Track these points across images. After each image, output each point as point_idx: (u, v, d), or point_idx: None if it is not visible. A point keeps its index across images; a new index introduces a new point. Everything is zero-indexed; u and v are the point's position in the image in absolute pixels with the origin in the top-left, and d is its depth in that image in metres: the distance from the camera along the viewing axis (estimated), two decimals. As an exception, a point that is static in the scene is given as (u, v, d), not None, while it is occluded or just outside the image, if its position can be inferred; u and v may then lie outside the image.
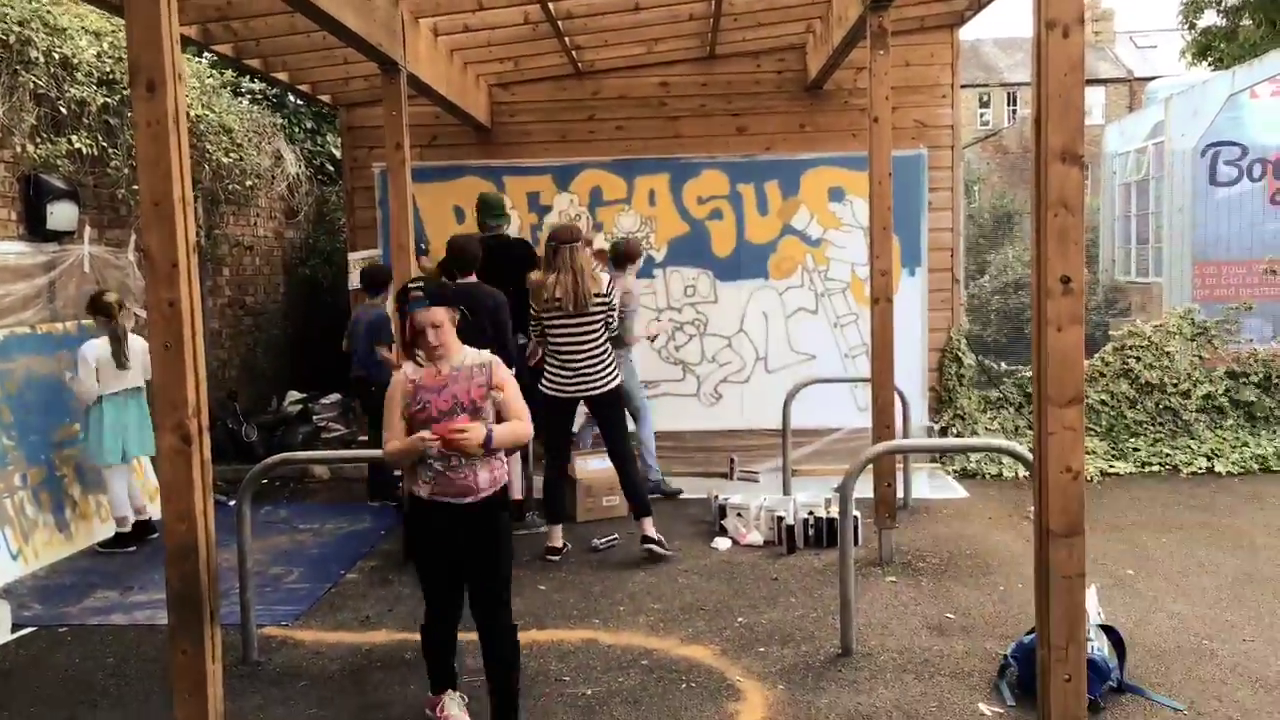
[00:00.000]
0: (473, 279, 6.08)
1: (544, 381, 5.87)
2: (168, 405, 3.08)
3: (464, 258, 6.03)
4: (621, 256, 6.99)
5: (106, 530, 6.48)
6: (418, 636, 4.64)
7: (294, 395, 9.43)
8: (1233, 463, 7.68)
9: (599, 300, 5.72)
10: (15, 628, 4.92)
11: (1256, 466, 7.67)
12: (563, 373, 5.78)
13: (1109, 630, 4.02)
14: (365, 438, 7.74)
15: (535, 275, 6.00)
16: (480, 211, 7.01)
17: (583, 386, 5.76)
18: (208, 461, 3.17)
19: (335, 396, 9.44)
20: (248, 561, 4.46)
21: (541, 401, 5.70)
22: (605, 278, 5.87)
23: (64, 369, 6.33)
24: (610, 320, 5.86)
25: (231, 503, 5.19)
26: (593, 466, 6.73)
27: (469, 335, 3.63)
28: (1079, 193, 2.93)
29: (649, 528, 5.79)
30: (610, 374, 5.81)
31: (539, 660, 4.38)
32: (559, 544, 5.88)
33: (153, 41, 3.00)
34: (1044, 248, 2.94)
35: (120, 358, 6.11)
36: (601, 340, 5.80)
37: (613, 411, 5.88)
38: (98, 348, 6.08)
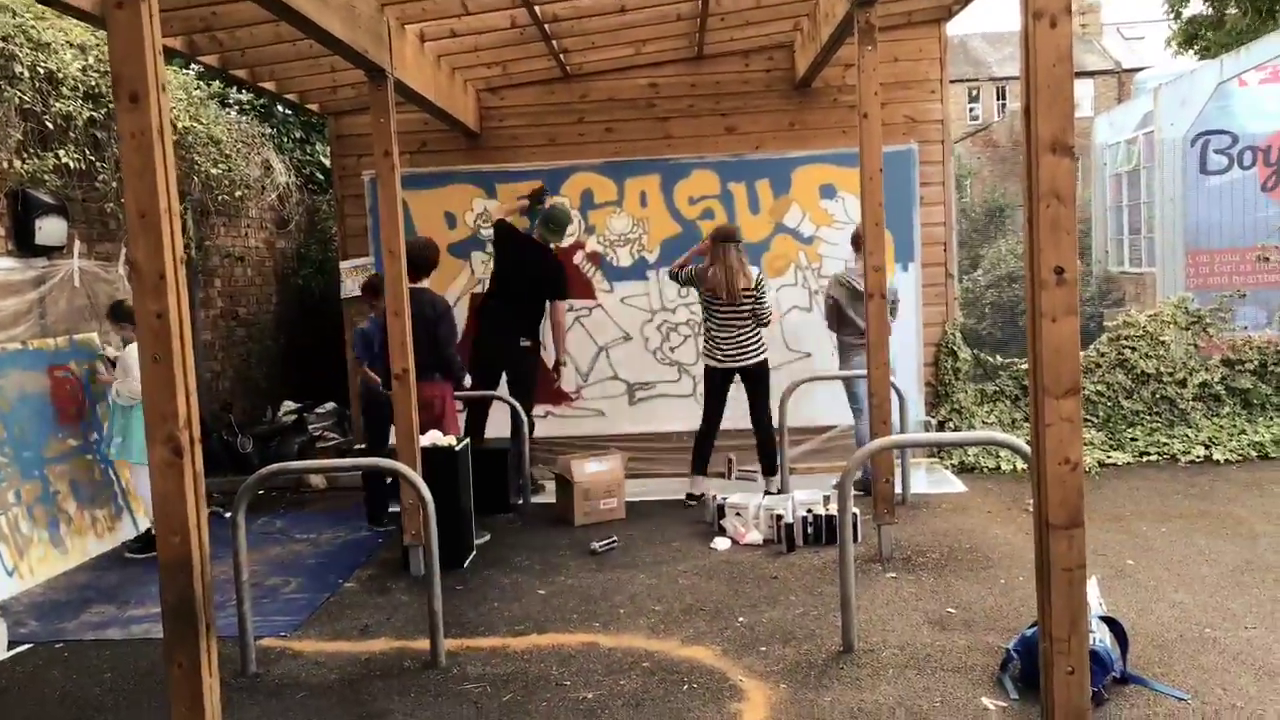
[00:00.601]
0: (423, 284, 6.28)
1: (704, 354, 7.00)
2: (158, 418, 3.06)
3: (411, 261, 5.94)
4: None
5: (103, 545, 6.45)
6: (417, 644, 4.63)
7: (289, 405, 9.39)
8: (1230, 450, 7.68)
9: (746, 293, 6.70)
10: (11, 645, 4.88)
11: (1254, 453, 7.67)
12: (720, 349, 6.83)
13: (1111, 621, 4.01)
14: (362, 446, 7.72)
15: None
16: (543, 225, 7.39)
17: (736, 360, 6.82)
18: (200, 474, 3.15)
19: (330, 405, 9.41)
20: (244, 573, 4.43)
21: (704, 371, 7.00)
22: (755, 272, 6.81)
23: (57, 382, 6.30)
24: (759, 310, 6.79)
25: (228, 514, 5.16)
26: (590, 470, 6.71)
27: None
28: (1070, 183, 2.93)
29: (771, 483, 6.92)
30: (758, 350, 6.85)
31: (539, 665, 4.36)
32: (698, 492, 6.84)
33: (135, 53, 2.97)
34: (1037, 239, 2.93)
35: None
36: (749, 324, 6.81)
37: (758, 383, 6.88)
38: (136, 350, 6.15)
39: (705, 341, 6.99)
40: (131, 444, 6.24)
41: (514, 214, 7.64)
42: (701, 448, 7.02)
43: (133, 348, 6.14)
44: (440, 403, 6.37)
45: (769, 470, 6.98)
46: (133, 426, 6.18)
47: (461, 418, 6.92)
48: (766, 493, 6.69)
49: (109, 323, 6.65)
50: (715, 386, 6.96)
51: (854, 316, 6.98)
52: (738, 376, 6.91)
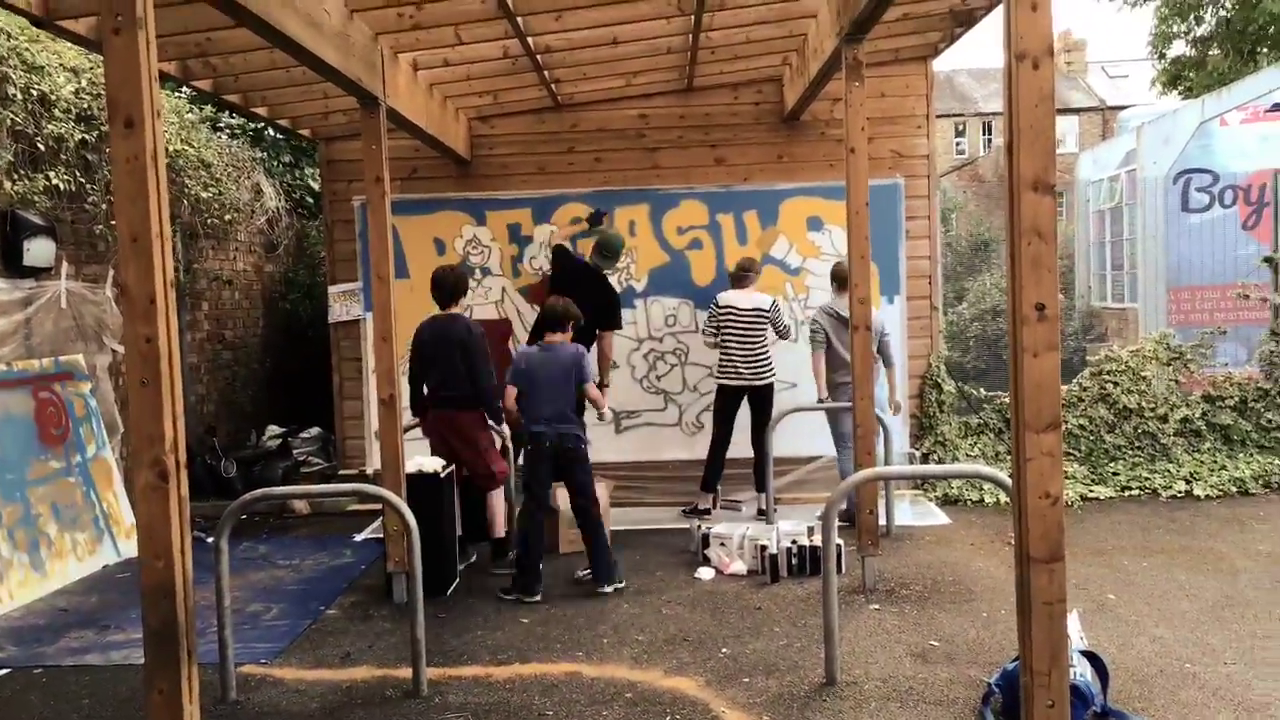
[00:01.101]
0: (451, 310, 6.18)
1: (718, 375, 7.40)
2: (145, 441, 3.06)
3: (437, 290, 6.18)
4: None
5: (84, 569, 6.40)
6: (399, 672, 4.61)
7: (273, 430, 9.37)
8: (1211, 485, 7.74)
9: (759, 312, 7.24)
10: (-11, 670, 4.84)
11: (1235, 489, 7.73)
12: (735, 366, 7.28)
13: (1091, 656, 4.02)
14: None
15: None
16: (596, 253, 7.46)
17: (749, 379, 7.26)
18: (185, 498, 3.15)
19: (315, 430, 9.39)
20: (226, 598, 4.40)
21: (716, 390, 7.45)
22: (769, 299, 7.31)
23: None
24: (777, 323, 7.33)
25: (209, 539, 5.13)
26: (575, 498, 6.70)
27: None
28: (1051, 221, 2.98)
29: (760, 499, 7.22)
30: (769, 371, 7.31)
31: (522, 695, 4.34)
32: (705, 506, 7.28)
33: (131, 79, 3.01)
34: (1018, 276, 2.98)
35: None
36: (763, 343, 7.27)
37: (764, 404, 7.28)
38: None
39: (720, 362, 7.35)
40: None
41: (569, 236, 7.75)
42: (714, 465, 7.36)
43: None
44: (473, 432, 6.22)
45: (762, 487, 7.19)
46: None
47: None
48: (760, 511, 7.06)
49: None
50: (727, 405, 7.37)
51: (841, 349, 6.89)
52: (746, 397, 7.31)
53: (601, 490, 6.88)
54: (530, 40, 6.18)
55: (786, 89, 7.93)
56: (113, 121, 3.02)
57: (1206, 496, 7.64)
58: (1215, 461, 8.06)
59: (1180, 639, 4.74)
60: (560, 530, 6.61)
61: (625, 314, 8.18)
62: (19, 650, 5.13)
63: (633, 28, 6.33)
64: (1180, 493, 7.71)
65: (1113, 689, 4.04)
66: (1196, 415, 8.28)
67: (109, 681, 4.68)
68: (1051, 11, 2.94)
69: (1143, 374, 8.32)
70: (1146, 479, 7.91)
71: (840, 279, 7.05)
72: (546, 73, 7.08)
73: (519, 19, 5.69)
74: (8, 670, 4.87)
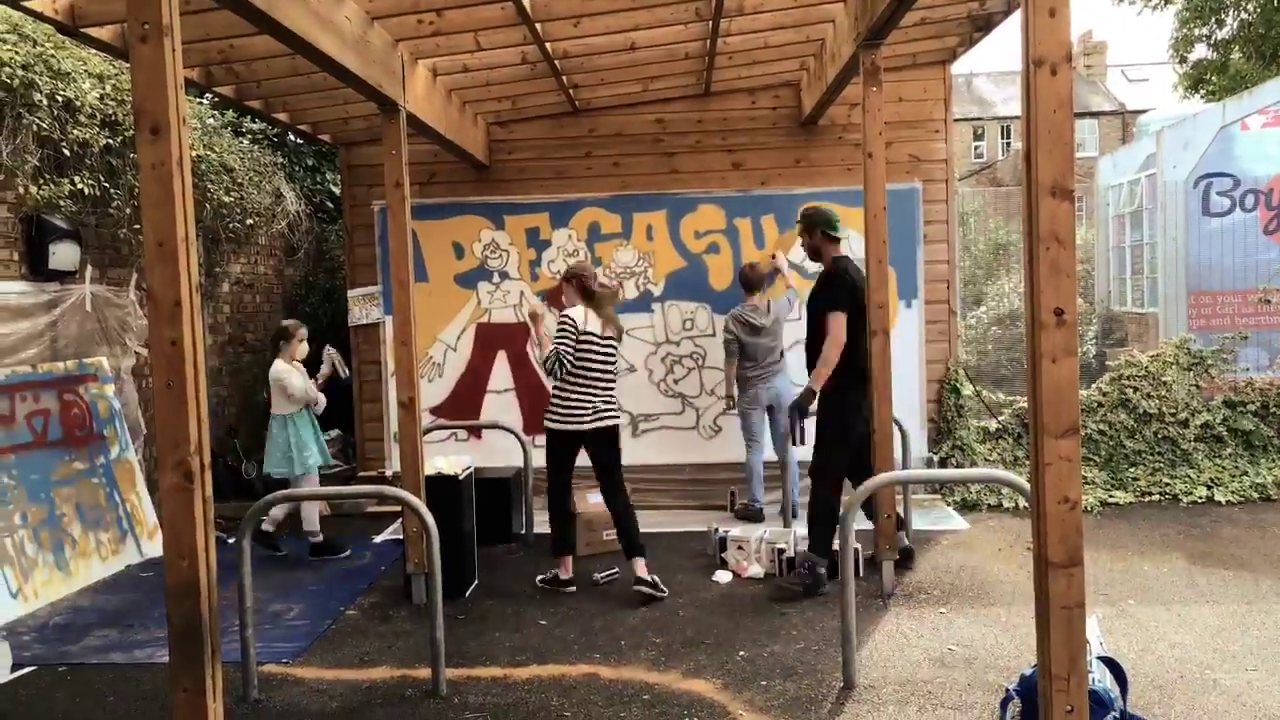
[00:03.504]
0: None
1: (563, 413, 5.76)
2: (169, 443, 3.10)
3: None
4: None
5: (107, 569, 6.47)
6: (418, 672, 4.65)
7: (294, 432, 9.41)
8: (1232, 491, 7.68)
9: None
10: (15, 667, 4.89)
11: (1256, 495, 7.67)
12: (590, 406, 5.78)
13: (1110, 662, 4.01)
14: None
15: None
16: (817, 223, 5.94)
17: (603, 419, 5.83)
18: (209, 499, 3.19)
19: (334, 433, 9.44)
20: (248, 598, 4.45)
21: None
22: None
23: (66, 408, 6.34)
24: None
25: (231, 540, 5.18)
26: (593, 501, 6.73)
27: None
28: (1070, 226, 2.98)
29: (640, 569, 5.68)
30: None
31: (540, 696, 4.37)
32: (565, 577, 5.92)
33: (157, 86, 3.05)
34: (1037, 281, 2.98)
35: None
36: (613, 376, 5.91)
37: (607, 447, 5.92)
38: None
39: (573, 399, 5.78)
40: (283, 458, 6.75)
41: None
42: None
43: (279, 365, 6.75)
44: None
45: (630, 550, 5.75)
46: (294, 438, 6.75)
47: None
48: (636, 579, 5.64)
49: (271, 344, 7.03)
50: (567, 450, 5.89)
51: (752, 350, 7.31)
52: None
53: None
54: (549, 46, 6.22)
55: (804, 94, 7.94)
56: (139, 128, 3.07)
57: (1227, 502, 7.59)
58: (1236, 467, 8.00)
59: (1201, 645, 4.71)
60: (578, 532, 6.63)
61: (642, 318, 8.25)
62: (44, 648, 5.19)
63: (651, 33, 6.35)
64: (1201, 498, 7.67)
65: (1132, 695, 4.03)
66: (1217, 420, 8.22)
67: (132, 679, 4.73)
68: (1070, 18, 2.94)
69: (1163, 379, 8.28)
70: (1167, 484, 7.87)
71: (748, 283, 7.40)
72: (565, 78, 7.11)
73: (538, 25, 5.72)
74: (33, 668, 4.93)
